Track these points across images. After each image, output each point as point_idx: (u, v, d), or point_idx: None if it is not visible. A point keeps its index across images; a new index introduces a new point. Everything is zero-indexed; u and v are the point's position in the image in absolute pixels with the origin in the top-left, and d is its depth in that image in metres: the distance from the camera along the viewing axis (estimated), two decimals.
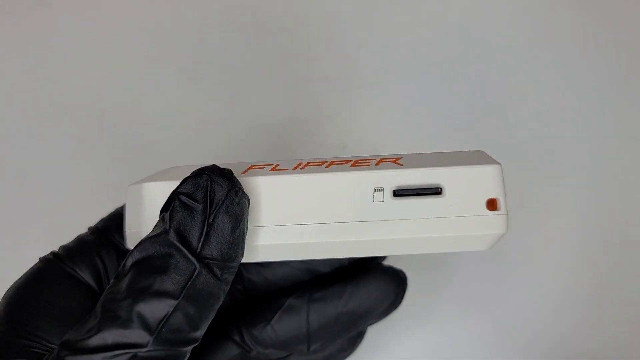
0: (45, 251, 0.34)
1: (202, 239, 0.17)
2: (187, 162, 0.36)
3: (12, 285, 0.21)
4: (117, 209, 0.24)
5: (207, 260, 0.17)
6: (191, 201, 0.17)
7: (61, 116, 0.36)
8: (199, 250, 0.17)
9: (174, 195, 0.18)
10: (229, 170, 0.18)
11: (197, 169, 0.18)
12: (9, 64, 0.38)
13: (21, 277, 0.21)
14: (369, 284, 0.24)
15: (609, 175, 0.36)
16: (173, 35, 0.38)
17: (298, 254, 0.20)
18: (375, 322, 0.25)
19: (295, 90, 0.38)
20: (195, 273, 0.17)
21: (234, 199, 0.18)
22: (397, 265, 0.25)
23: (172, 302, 0.17)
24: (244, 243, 0.18)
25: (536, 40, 0.39)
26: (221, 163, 0.21)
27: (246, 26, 0.39)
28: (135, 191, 0.21)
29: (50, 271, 0.21)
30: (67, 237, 0.34)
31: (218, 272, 0.18)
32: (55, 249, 0.23)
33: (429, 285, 0.34)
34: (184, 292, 0.17)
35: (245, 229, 0.18)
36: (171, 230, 0.17)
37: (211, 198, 0.17)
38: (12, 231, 0.34)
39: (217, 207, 0.17)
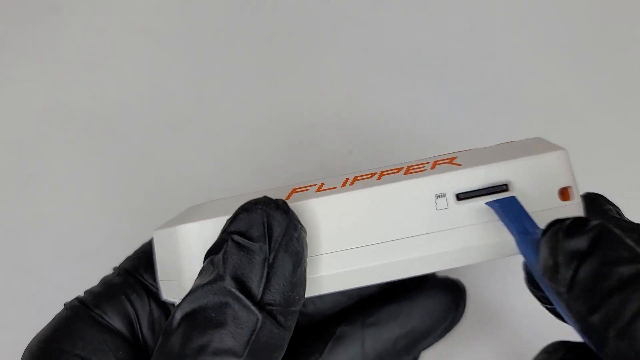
0: (50, 255, 0.33)
1: (262, 284, 0.15)
2: (194, 166, 0.35)
3: (36, 337, 0.18)
4: (143, 245, 0.21)
5: (270, 307, 0.15)
6: (246, 241, 0.15)
7: (68, 121, 0.36)
8: (260, 296, 0.15)
9: (226, 235, 0.15)
10: (284, 202, 0.16)
11: (247, 203, 0.16)
12: (17, 70, 0.37)
13: (46, 327, 0.18)
14: (426, 300, 0.22)
15: (618, 177, 0.35)
16: (179, 40, 0.38)
17: (362, 280, 0.18)
18: (434, 342, 0.23)
19: (300, 95, 0.37)
20: (259, 325, 0.15)
21: (293, 234, 0.15)
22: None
23: None
24: (305, 281, 0.16)
25: (544, 43, 0.37)
26: (258, 190, 0.18)
27: (252, 30, 0.38)
28: (166, 236, 0.18)
29: (78, 320, 0.18)
30: (72, 241, 0.33)
31: (282, 320, 0.15)
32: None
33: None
34: (247, 347, 0.15)
35: (306, 265, 0.16)
36: (226, 276, 0.15)
37: (269, 235, 0.15)
38: (18, 236, 0.34)
39: (277, 245, 0.15)
